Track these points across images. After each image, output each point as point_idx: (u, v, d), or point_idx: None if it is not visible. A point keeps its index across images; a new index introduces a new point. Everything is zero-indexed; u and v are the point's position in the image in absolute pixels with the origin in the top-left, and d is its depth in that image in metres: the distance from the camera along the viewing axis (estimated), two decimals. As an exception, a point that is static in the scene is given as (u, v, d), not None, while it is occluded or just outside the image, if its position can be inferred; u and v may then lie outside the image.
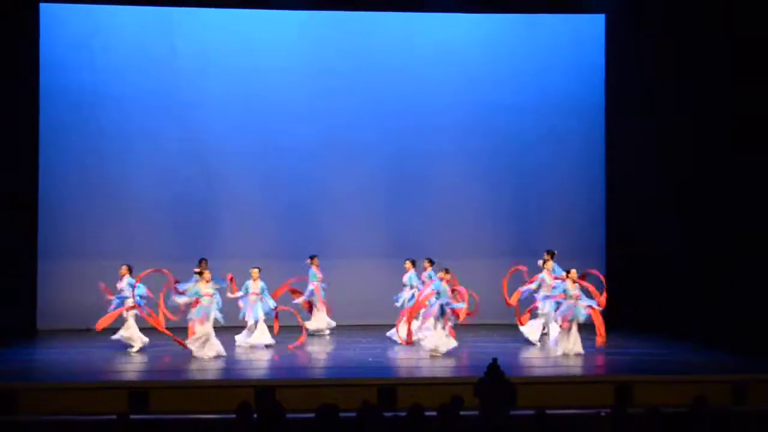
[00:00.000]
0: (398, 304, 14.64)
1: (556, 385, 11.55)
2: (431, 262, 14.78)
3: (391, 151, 16.95)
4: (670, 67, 15.58)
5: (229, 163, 16.65)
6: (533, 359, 13.40)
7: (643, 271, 15.94)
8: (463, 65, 17.01)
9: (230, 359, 13.31)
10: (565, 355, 13.10)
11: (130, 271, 13.87)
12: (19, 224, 15.30)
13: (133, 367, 12.70)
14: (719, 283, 14.58)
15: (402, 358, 13.49)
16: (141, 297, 13.61)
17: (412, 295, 14.34)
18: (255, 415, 7.91)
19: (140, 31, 16.51)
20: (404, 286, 14.79)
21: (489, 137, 17.06)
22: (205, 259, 14.96)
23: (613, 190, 16.99)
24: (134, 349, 13.60)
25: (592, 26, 17.12)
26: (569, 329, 13.19)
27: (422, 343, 13.61)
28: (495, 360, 9.35)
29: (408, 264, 14.90)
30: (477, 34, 17.10)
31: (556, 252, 15.16)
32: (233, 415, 7.90)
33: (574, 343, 13.16)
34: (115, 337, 13.73)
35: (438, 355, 13.13)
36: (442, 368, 12.59)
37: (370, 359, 13.14)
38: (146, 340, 13.75)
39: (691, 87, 15.20)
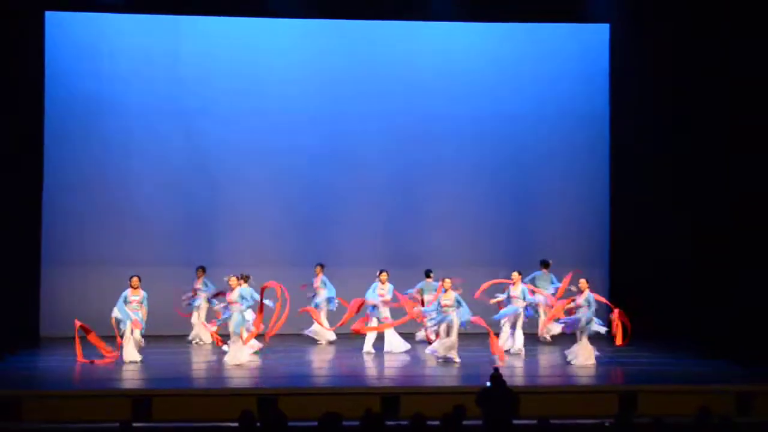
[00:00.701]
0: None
1: (561, 394, 11.52)
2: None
3: (395, 159, 16.93)
4: (675, 76, 15.57)
5: (233, 171, 16.65)
6: (537, 368, 13.35)
7: (647, 279, 15.90)
8: (467, 74, 17.00)
9: (233, 368, 13.29)
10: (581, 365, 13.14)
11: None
12: (23, 231, 15.30)
13: (135, 374, 12.69)
14: (725, 291, 14.53)
15: (405, 367, 13.46)
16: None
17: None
18: (258, 424, 7.90)
19: (145, 40, 16.52)
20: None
21: (493, 146, 17.04)
22: (203, 267, 15.07)
23: (617, 198, 16.97)
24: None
25: (596, 35, 17.12)
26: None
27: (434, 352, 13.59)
28: (496, 369, 9.32)
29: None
30: (481, 43, 17.11)
31: (551, 262, 15.35)
32: (236, 424, 7.89)
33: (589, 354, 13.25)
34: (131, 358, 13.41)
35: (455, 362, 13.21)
36: (445, 377, 12.57)
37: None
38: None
39: (695, 94, 15.17)
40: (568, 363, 13.21)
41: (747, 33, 14.25)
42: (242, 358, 13.14)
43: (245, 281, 13.41)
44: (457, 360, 13.27)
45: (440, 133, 16.97)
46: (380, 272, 14.56)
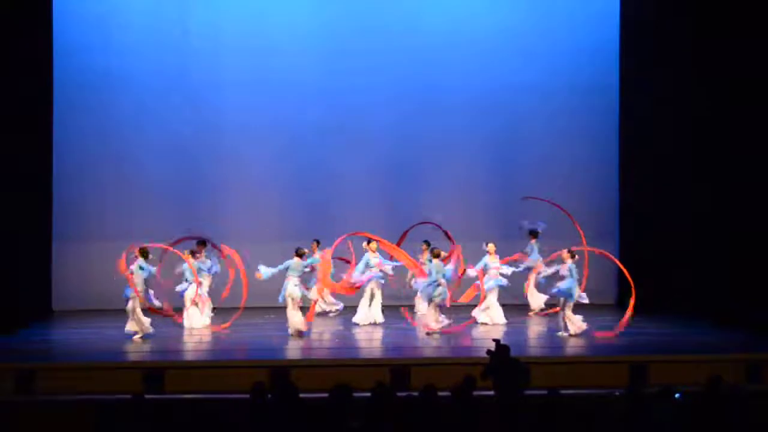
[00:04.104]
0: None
1: (571, 364, 11.55)
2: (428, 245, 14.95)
3: (403, 130, 16.87)
4: (684, 46, 15.42)
5: (242, 144, 16.62)
6: (548, 339, 13.35)
7: (656, 251, 15.87)
8: (475, 45, 16.83)
9: (244, 340, 13.37)
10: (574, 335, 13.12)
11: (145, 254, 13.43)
12: (34, 205, 15.35)
13: (148, 347, 12.76)
14: (734, 262, 14.50)
15: (415, 339, 13.49)
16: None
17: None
18: (269, 396, 7.95)
19: (154, 13, 16.48)
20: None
21: (501, 117, 16.92)
22: (205, 241, 15.12)
23: (626, 169, 16.88)
24: (138, 336, 13.22)
25: (606, 3, 16.97)
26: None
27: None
28: (497, 341, 9.32)
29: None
30: (489, 13, 16.95)
31: (538, 232, 15.36)
32: (247, 396, 7.93)
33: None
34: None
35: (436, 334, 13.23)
36: (455, 348, 12.61)
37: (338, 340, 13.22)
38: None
39: (708, 64, 15.01)
40: (561, 336, 13.17)
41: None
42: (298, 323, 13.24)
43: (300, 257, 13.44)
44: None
45: (447, 104, 16.87)
46: (369, 242, 14.46)
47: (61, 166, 16.10)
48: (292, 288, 13.21)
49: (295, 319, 13.21)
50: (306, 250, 13.82)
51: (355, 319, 14.37)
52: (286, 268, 13.30)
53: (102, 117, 16.33)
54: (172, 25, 16.53)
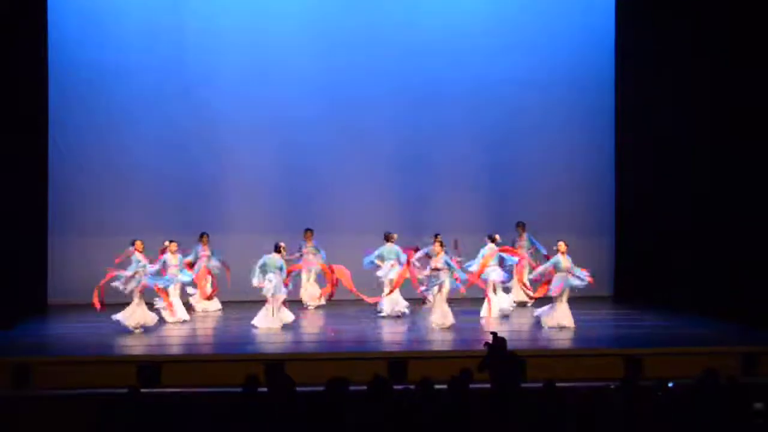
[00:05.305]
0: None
1: (566, 357, 11.57)
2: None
3: (401, 125, 16.85)
4: (681, 40, 15.40)
5: (238, 139, 16.59)
6: (543, 332, 13.37)
7: (651, 244, 15.89)
8: (471, 38, 16.77)
9: (240, 334, 13.37)
10: (559, 328, 13.11)
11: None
12: (30, 199, 15.32)
13: (144, 341, 12.76)
14: (731, 254, 14.50)
15: (412, 332, 13.50)
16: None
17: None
18: (264, 389, 7.95)
19: (149, 6, 16.43)
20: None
21: (498, 112, 16.89)
22: (206, 234, 15.08)
23: (623, 163, 16.90)
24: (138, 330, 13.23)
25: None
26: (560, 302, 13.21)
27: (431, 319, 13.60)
28: (495, 334, 9.33)
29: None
30: (485, 6, 16.95)
31: (525, 224, 15.47)
32: (243, 389, 7.93)
33: (563, 317, 13.18)
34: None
35: (444, 327, 13.20)
36: (452, 341, 12.63)
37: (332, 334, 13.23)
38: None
39: (705, 57, 14.98)
40: (544, 327, 13.21)
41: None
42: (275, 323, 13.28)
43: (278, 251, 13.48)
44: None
45: (444, 98, 16.85)
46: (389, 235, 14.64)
47: (57, 160, 16.05)
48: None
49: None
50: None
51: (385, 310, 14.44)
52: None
53: (97, 111, 16.26)
54: (168, 20, 16.45)
